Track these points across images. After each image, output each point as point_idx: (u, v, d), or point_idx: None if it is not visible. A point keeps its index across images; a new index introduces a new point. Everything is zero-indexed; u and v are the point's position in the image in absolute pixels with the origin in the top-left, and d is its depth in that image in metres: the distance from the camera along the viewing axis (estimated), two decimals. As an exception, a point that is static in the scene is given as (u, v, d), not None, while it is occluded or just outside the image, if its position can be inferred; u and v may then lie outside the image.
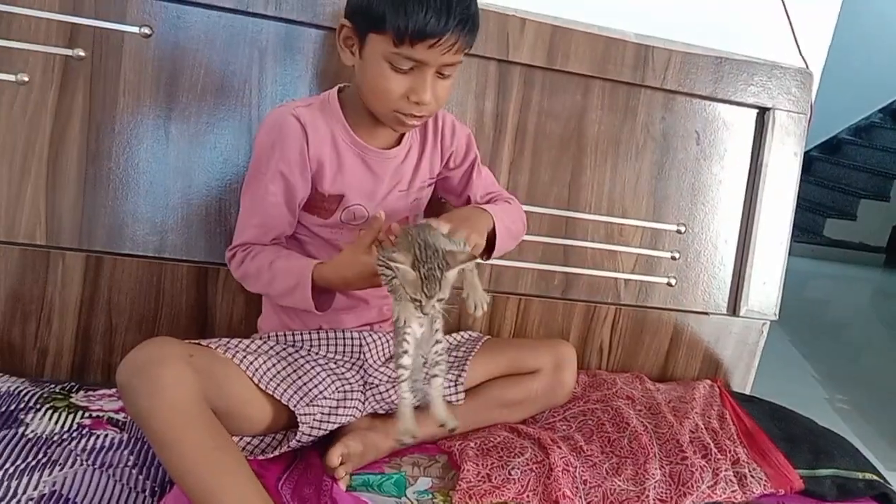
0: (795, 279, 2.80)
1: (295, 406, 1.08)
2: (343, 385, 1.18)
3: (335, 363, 1.21)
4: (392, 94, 1.09)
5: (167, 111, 1.32)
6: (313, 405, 1.11)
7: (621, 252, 1.59)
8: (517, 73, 1.48)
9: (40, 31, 1.25)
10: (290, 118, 1.14)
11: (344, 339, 1.23)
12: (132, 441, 1.12)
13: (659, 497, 1.17)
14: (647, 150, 1.59)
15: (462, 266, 0.98)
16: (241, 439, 1.09)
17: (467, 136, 1.32)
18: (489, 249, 1.24)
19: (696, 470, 1.21)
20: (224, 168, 1.35)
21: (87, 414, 1.18)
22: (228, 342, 1.12)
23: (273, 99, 1.36)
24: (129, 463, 1.07)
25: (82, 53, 1.27)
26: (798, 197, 1.66)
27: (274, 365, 1.12)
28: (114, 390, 1.26)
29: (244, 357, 1.08)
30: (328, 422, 1.13)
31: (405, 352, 1.01)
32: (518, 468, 1.17)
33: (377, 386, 1.22)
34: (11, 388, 1.21)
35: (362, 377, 1.22)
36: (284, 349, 1.18)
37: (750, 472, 1.25)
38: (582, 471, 1.20)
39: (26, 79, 1.25)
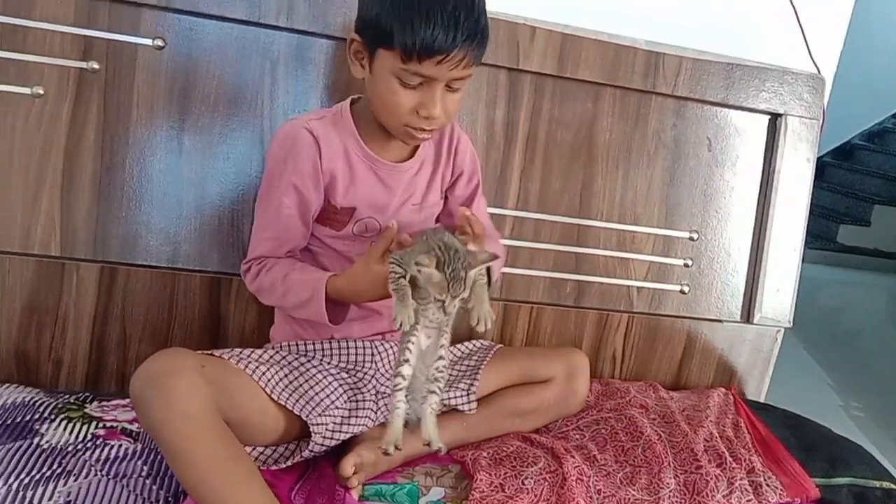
0: (809, 286, 2.78)
1: (307, 416, 1.08)
2: (355, 395, 1.18)
3: (347, 373, 1.21)
4: (401, 108, 1.09)
5: (180, 122, 1.33)
6: (325, 415, 1.11)
7: (633, 260, 1.59)
8: (527, 81, 1.48)
9: (55, 44, 1.26)
10: (303, 131, 1.14)
11: (356, 348, 1.23)
12: (146, 451, 1.12)
13: (674, 506, 1.16)
14: (659, 158, 1.58)
15: (484, 265, 0.99)
16: (253, 449, 1.09)
17: (475, 158, 1.32)
18: None
19: (711, 479, 1.20)
20: (237, 178, 1.36)
21: (101, 424, 1.19)
22: (241, 352, 1.12)
23: (285, 109, 1.37)
24: (143, 473, 1.07)
25: (96, 66, 1.28)
26: (811, 203, 1.65)
27: (286, 375, 1.12)
28: (128, 401, 1.26)
29: (256, 367, 1.08)
30: (341, 431, 1.13)
31: (406, 360, 1.01)
32: (531, 478, 1.17)
33: (389, 395, 1.21)
34: (27, 399, 1.22)
35: (374, 387, 1.22)
36: (297, 359, 1.18)
37: (765, 480, 1.24)
38: (596, 480, 1.20)
39: (41, 91, 1.26)
